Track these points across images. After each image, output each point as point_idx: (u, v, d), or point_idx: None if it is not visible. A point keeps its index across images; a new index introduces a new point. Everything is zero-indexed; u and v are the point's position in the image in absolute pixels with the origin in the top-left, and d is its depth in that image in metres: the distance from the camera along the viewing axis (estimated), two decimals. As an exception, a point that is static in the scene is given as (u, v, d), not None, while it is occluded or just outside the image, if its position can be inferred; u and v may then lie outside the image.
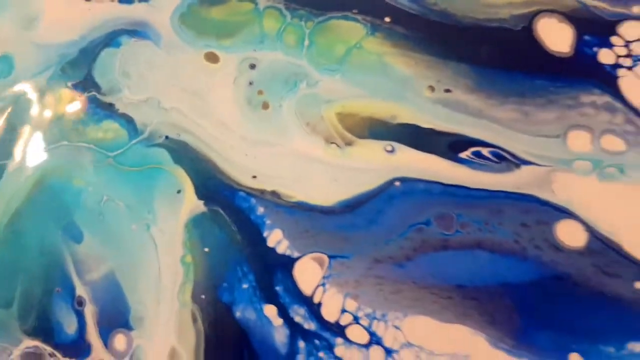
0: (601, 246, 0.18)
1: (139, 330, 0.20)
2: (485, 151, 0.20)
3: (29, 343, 0.20)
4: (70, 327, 0.20)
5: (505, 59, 0.20)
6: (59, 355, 0.21)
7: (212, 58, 0.22)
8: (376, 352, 0.18)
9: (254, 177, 0.20)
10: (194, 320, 0.19)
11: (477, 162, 0.20)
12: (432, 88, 0.20)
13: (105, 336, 0.20)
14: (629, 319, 0.17)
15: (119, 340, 0.20)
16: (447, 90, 0.20)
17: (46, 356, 0.20)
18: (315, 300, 0.19)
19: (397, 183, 0.20)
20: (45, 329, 0.21)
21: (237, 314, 0.20)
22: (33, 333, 0.21)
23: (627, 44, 0.21)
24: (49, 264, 0.20)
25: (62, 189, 0.21)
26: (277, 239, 0.20)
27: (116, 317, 0.20)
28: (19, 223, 0.20)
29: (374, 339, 0.18)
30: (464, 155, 0.20)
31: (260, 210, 0.20)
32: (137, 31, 0.23)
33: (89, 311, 0.20)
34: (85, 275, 0.20)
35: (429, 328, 0.18)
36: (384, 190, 0.20)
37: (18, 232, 0.20)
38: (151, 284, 0.19)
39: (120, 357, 0.20)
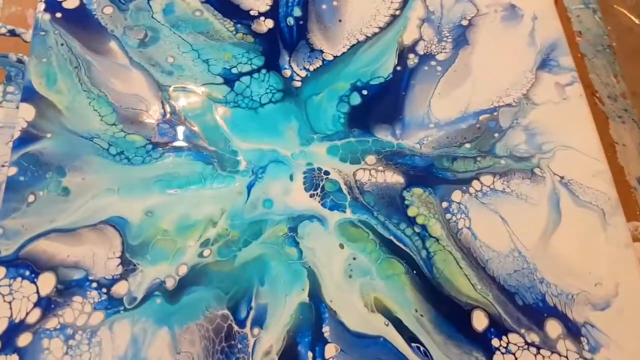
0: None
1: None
2: (422, 349, 0.43)
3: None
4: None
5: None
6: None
7: (343, 248, 0.50)
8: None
9: (331, 300, 0.46)
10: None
11: (417, 351, 0.43)
12: (416, 310, 0.44)
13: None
14: None
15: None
16: (421, 315, 0.44)
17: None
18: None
19: (382, 339, 0.44)
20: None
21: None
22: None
23: (507, 344, 0.42)
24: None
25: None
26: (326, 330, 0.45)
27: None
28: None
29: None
30: (413, 345, 0.43)
31: (327, 318, 0.46)
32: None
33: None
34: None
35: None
36: (375, 339, 0.44)
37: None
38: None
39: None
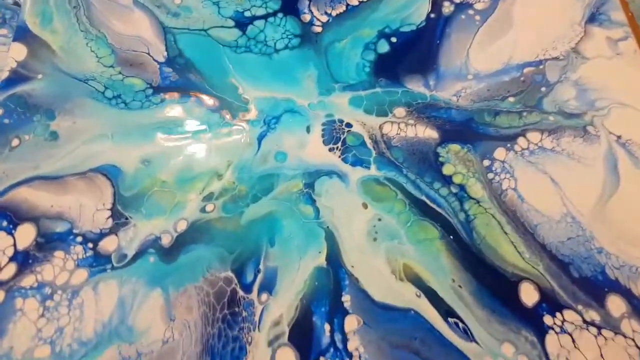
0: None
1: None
2: (461, 325, 0.36)
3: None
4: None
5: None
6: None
7: (367, 210, 0.43)
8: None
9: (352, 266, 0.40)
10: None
11: (455, 327, 0.36)
12: (453, 280, 0.38)
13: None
14: None
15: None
16: (460, 286, 0.37)
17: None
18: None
19: (412, 312, 0.37)
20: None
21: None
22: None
23: (563, 322, 0.35)
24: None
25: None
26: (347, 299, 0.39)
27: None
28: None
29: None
30: (450, 320, 0.37)
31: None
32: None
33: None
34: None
35: None
36: (404, 312, 0.38)
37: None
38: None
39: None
